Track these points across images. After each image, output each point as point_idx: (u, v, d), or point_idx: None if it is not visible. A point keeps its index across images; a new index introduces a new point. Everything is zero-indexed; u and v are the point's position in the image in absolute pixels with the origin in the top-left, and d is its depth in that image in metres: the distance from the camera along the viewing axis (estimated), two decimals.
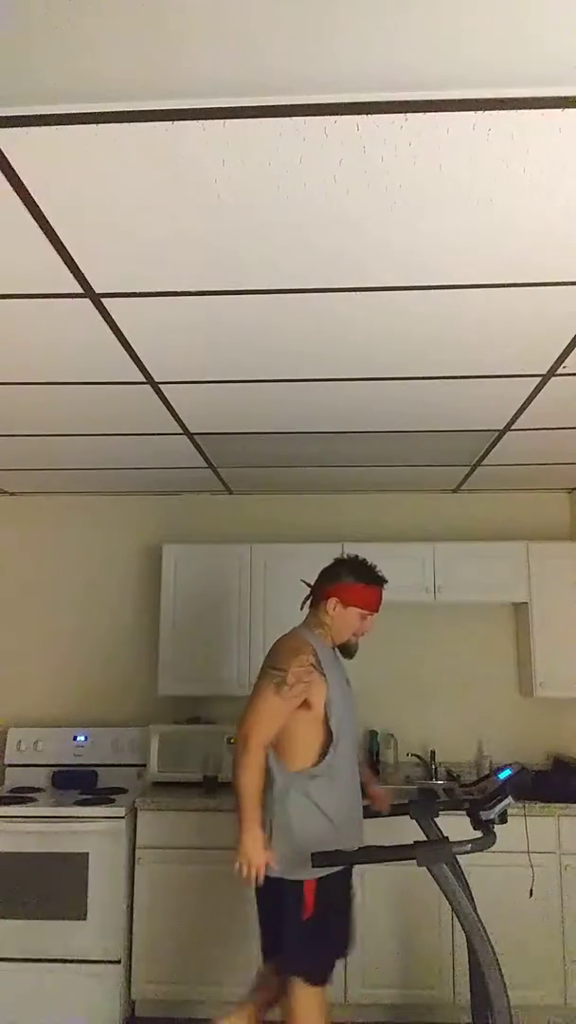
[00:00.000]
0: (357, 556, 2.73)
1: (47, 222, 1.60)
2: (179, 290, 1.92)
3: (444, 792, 3.83)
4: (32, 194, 1.50)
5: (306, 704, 2.49)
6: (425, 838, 2.81)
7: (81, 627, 4.36)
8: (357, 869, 3.42)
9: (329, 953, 2.57)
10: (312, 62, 1.19)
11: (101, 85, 1.23)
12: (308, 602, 2.75)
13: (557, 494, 4.45)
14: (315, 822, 2.49)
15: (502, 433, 3.23)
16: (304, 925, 2.47)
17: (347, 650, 2.72)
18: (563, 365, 2.44)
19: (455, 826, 2.75)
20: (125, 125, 1.31)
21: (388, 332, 2.18)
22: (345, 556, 2.75)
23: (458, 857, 2.53)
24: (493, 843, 2.44)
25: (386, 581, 2.73)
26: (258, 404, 2.84)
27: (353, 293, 1.94)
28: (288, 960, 2.54)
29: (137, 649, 4.32)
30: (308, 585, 2.76)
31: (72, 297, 1.96)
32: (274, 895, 2.53)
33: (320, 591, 2.69)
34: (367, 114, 1.27)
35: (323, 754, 2.52)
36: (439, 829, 2.84)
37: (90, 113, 1.28)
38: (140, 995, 3.43)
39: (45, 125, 1.30)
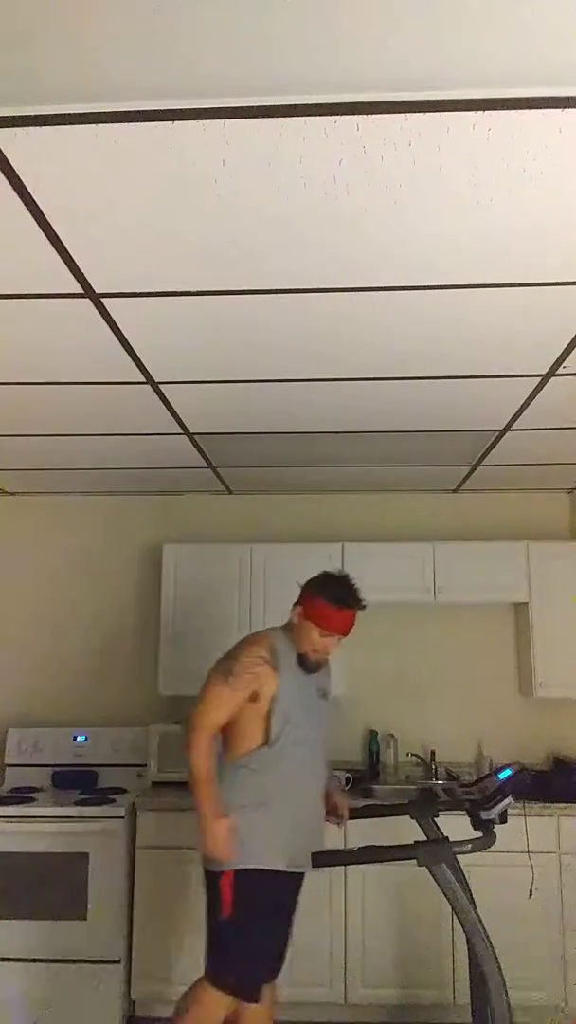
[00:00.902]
0: (346, 576, 2.62)
1: (47, 222, 1.60)
2: (179, 290, 1.92)
3: (444, 792, 3.83)
4: (32, 194, 1.50)
5: (254, 696, 2.51)
6: (425, 838, 2.81)
7: (81, 627, 4.36)
8: (359, 869, 3.45)
9: (251, 965, 2.44)
10: (312, 62, 1.19)
11: (101, 85, 1.23)
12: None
13: (557, 494, 4.44)
14: (243, 814, 2.45)
15: (502, 433, 3.23)
16: (222, 924, 2.41)
17: (304, 664, 2.61)
18: (563, 365, 2.44)
19: (455, 826, 2.74)
20: (125, 125, 1.31)
21: (388, 332, 2.18)
22: (336, 572, 2.67)
23: (458, 857, 2.53)
24: (493, 843, 2.44)
25: (360, 607, 2.58)
26: (258, 404, 2.84)
27: (353, 293, 1.94)
28: (209, 961, 2.48)
29: (137, 649, 4.32)
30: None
31: (72, 297, 1.96)
32: (205, 886, 2.52)
33: (299, 597, 2.67)
34: (367, 114, 1.27)
35: (258, 749, 2.51)
36: (439, 829, 2.84)
37: (90, 113, 1.28)
38: (140, 995, 3.43)
39: (45, 125, 1.30)
